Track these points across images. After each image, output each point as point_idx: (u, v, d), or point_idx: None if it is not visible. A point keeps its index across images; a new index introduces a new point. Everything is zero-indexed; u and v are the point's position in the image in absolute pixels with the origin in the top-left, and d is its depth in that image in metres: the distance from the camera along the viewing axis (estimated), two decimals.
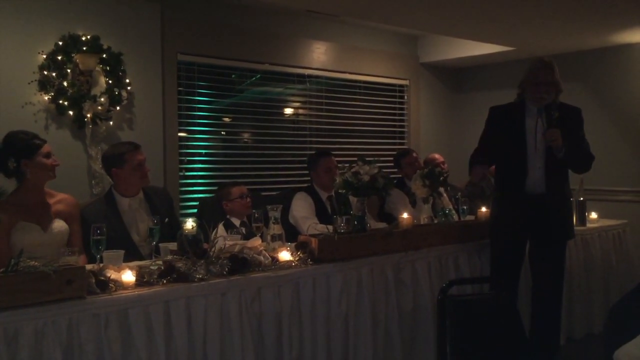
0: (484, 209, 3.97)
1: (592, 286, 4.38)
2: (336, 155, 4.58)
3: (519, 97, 3.55)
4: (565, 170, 3.51)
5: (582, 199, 4.42)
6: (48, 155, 2.99)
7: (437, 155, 5.49)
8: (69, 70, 4.25)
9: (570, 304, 4.17)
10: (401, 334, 3.27)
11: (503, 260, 3.56)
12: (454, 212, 4.03)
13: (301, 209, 4.03)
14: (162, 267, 2.55)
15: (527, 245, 3.58)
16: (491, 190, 4.91)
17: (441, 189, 4.26)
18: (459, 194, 4.49)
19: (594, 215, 4.63)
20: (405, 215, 3.51)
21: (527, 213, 3.43)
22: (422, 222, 3.79)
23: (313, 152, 5.92)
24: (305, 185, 4.40)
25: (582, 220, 4.41)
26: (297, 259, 2.93)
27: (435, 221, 3.86)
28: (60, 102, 4.22)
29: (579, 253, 4.24)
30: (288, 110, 5.91)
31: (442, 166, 5.10)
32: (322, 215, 4.01)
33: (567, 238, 3.59)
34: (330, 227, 3.21)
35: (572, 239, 3.71)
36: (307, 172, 4.79)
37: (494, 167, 3.82)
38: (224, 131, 5.46)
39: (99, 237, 2.61)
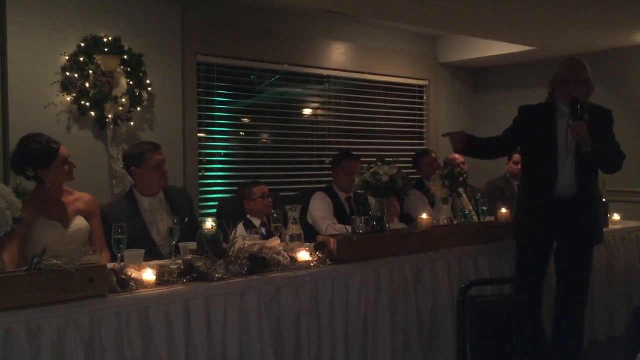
0: (503, 210, 3.93)
1: (614, 288, 4.32)
2: (331, 156, 4.55)
3: (550, 98, 3.49)
4: (595, 173, 3.46)
5: (604, 200, 4.36)
6: (65, 161, 2.99)
7: (457, 156, 5.45)
8: (90, 72, 4.30)
9: (593, 307, 4.11)
10: (420, 335, 3.25)
11: (529, 262, 3.52)
12: (473, 213, 4.00)
13: (320, 209, 4.03)
14: (182, 267, 2.57)
15: (554, 246, 3.53)
16: (511, 192, 4.88)
17: (461, 190, 4.24)
18: (479, 194, 4.46)
19: (616, 217, 4.57)
20: (424, 216, 3.49)
21: (557, 215, 3.38)
22: (441, 223, 3.77)
23: (332, 152, 5.93)
24: (324, 185, 4.40)
25: (605, 222, 4.34)
26: (315, 259, 2.93)
27: (455, 222, 3.84)
28: (82, 103, 4.27)
29: (601, 255, 4.18)
30: (307, 111, 5.91)
31: (462, 167, 5.06)
32: (341, 215, 4.01)
33: (595, 242, 3.53)
34: (349, 228, 3.20)
35: (601, 243, 3.65)
36: (325, 172, 4.82)
37: (519, 167, 3.77)
38: (243, 132, 5.49)
39: (120, 236, 2.63)
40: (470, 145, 3.60)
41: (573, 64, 3.42)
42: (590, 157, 3.27)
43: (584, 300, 3.51)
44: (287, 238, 3.10)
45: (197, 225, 3.13)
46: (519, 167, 4.30)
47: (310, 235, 3.43)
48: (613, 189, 4.69)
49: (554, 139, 3.37)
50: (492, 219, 4.01)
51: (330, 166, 5.59)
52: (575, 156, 3.32)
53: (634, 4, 4.37)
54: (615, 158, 3.41)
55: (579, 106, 3.24)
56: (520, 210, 3.60)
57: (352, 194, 4.18)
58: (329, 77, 5.91)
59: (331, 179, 4.38)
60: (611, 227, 4.41)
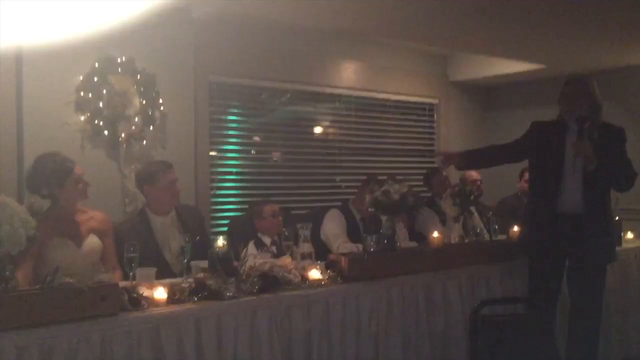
0: (515, 228, 3.91)
1: (629, 308, 4.27)
2: (366, 174, 4.53)
3: (560, 115, 3.52)
4: (606, 191, 3.44)
5: (617, 218, 4.33)
6: (79, 179, 3.02)
7: (474, 174, 5.44)
8: (104, 91, 4.35)
9: (607, 327, 4.05)
10: (432, 355, 3.22)
11: (540, 279, 3.51)
12: (485, 231, 3.98)
13: (333, 226, 4.03)
14: (194, 285, 2.57)
15: (566, 264, 3.51)
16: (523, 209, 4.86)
17: (472, 208, 4.22)
18: (490, 213, 4.44)
19: (630, 235, 4.53)
20: (435, 234, 3.48)
21: (564, 232, 3.37)
22: (452, 242, 3.75)
23: (343, 170, 5.95)
24: (339, 203, 4.39)
25: (619, 240, 4.31)
26: (327, 277, 2.93)
27: (466, 240, 3.82)
28: (96, 122, 4.31)
29: (615, 274, 4.14)
30: (318, 129, 5.93)
31: (477, 184, 5.06)
32: (355, 235, 3.99)
33: (606, 260, 3.50)
34: (361, 246, 3.20)
35: (613, 262, 3.63)
36: (336, 190, 4.78)
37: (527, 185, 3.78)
38: (254, 150, 5.51)
39: (132, 254, 2.64)
40: (464, 159, 3.60)
41: (571, 79, 3.50)
42: (596, 176, 3.27)
43: (596, 319, 3.47)
44: (298, 256, 3.10)
45: (209, 243, 3.14)
46: None
47: (322, 253, 3.43)
48: (627, 207, 4.65)
49: (562, 156, 3.38)
50: (504, 237, 4.00)
51: (341, 184, 5.59)
52: (583, 174, 3.32)
53: None
54: (624, 176, 3.40)
55: (584, 126, 3.27)
56: (526, 226, 3.62)
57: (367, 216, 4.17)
58: (339, 95, 5.93)
59: (345, 197, 4.37)
60: (625, 245, 4.37)
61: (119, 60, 4.40)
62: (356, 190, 4.34)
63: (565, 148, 3.38)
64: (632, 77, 5.87)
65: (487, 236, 3.94)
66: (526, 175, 4.92)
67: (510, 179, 5.15)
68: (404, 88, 6.35)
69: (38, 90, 4.16)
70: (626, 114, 5.74)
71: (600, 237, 3.40)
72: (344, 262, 2.99)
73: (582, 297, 3.43)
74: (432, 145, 6.70)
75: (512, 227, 3.95)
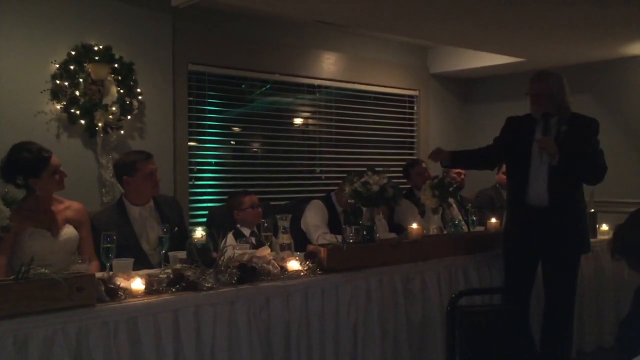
0: (493, 220, 3.95)
1: (603, 299, 4.34)
2: (345, 165, 4.55)
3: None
4: (575, 183, 3.48)
5: (592, 210, 4.39)
6: (56, 170, 2.97)
7: None
8: (81, 80, 4.29)
9: (581, 317, 4.13)
10: (410, 345, 3.25)
11: (514, 271, 3.56)
12: (463, 222, 4.02)
13: (314, 216, 4.03)
14: (171, 276, 2.56)
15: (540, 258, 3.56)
16: (501, 201, 4.91)
17: (451, 200, 4.25)
18: (469, 204, 4.47)
19: (605, 227, 4.59)
20: (414, 225, 3.50)
21: (532, 226, 3.42)
22: (431, 233, 3.78)
23: (322, 161, 5.94)
24: (322, 194, 4.39)
25: (593, 232, 4.37)
26: (305, 268, 2.93)
27: (445, 232, 3.85)
28: (72, 111, 4.26)
29: (589, 265, 4.21)
30: (298, 120, 5.92)
31: (456, 177, 5.08)
32: (335, 226, 4.00)
33: (579, 252, 3.56)
34: (340, 237, 3.21)
35: (587, 252, 3.69)
36: (316, 181, 4.76)
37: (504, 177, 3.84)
38: (233, 141, 5.48)
39: (109, 245, 2.62)
40: (452, 158, 3.65)
41: (533, 77, 3.51)
42: (561, 169, 3.31)
43: (569, 310, 3.52)
44: (277, 247, 3.10)
45: (187, 234, 3.12)
46: None
47: (302, 244, 3.43)
48: (601, 200, 4.72)
49: (529, 149, 3.43)
50: (482, 228, 4.04)
51: (320, 175, 5.60)
52: (549, 167, 3.37)
53: (622, 17, 4.43)
54: (591, 169, 3.43)
55: (549, 121, 3.34)
56: (505, 219, 3.72)
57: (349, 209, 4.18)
58: (319, 86, 5.92)
59: (325, 188, 4.38)
60: (599, 237, 4.43)
61: (95, 48, 4.34)
62: (337, 182, 4.35)
63: (534, 142, 3.43)
64: (608, 71, 5.94)
65: (465, 228, 3.97)
66: (504, 168, 4.98)
67: (488, 172, 5.19)
68: (384, 80, 6.36)
69: (13, 78, 4.09)
70: (603, 106, 5.82)
71: (569, 229, 3.44)
72: (323, 253, 3.00)
73: (555, 288, 3.48)
74: (412, 136, 6.73)
75: (490, 218, 3.99)
